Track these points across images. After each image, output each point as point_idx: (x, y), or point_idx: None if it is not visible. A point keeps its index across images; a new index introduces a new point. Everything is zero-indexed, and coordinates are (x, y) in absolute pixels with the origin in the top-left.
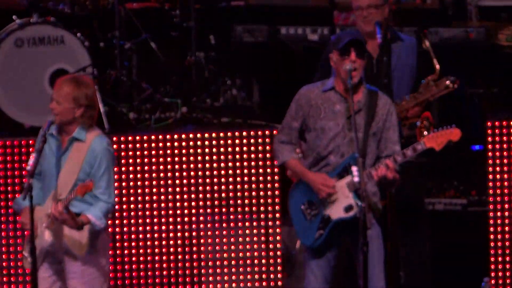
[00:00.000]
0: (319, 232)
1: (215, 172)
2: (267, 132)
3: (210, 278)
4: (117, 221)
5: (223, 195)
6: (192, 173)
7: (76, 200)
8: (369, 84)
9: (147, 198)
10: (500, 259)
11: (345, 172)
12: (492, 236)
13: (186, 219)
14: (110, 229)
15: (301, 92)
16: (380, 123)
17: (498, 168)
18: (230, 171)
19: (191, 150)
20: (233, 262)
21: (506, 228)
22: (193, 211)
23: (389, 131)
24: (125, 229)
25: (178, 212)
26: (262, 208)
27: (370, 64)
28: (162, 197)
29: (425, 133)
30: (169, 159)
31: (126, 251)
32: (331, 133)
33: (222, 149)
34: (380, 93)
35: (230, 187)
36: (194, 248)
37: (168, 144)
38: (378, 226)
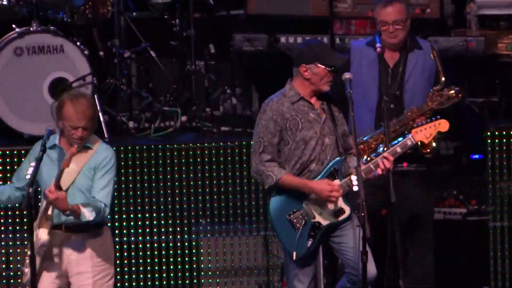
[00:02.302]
0: (310, 240)
1: (214, 181)
2: None
3: None
4: (116, 231)
5: (222, 204)
6: (191, 182)
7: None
8: (381, 94)
9: (146, 207)
10: (499, 268)
11: (331, 177)
12: (491, 246)
13: (185, 228)
14: None
15: (272, 107)
16: (338, 121)
17: (498, 177)
18: (230, 180)
19: (191, 159)
20: (232, 271)
21: (506, 238)
22: (192, 220)
23: (342, 126)
24: (124, 238)
25: (178, 221)
26: (261, 217)
27: (385, 74)
28: (162, 206)
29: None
30: (168, 168)
31: (125, 260)
32: (313, 142)
33: (221, 158)
34: (329, 92)
35: (230, 196)
36: (193, 257)
37: (168, 153)
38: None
